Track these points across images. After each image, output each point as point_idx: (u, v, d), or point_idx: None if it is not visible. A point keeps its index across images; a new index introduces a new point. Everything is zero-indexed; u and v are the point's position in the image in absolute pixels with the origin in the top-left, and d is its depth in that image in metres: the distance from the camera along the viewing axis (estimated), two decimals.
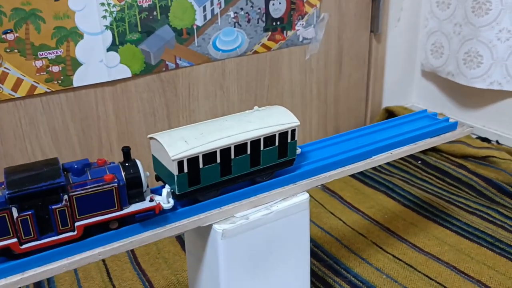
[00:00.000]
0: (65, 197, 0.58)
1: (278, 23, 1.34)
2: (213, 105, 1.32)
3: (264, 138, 0.70)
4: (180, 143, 0.64)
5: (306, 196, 0.76)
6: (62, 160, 1.13)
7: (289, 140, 0.73)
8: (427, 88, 1.72)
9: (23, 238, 0.58)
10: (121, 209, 0.62)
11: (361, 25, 1.52)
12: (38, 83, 1.07)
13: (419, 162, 1.49)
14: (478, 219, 1.20)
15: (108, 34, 1.11)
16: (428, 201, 1.29)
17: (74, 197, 0.59)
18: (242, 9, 1.26)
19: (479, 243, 1.12)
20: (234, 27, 1.27)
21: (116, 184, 0.60)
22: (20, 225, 0.57)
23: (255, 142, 0.70)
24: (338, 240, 1.15)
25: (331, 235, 1.17)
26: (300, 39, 1.40)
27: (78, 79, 1.11)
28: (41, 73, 1.06)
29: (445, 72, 1.57)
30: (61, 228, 0.59)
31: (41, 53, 1.05)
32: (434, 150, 1.52)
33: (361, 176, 1.43)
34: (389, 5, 1.55)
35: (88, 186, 0.59)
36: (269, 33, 1.33)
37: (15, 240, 0.57)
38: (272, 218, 0.73)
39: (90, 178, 0.61)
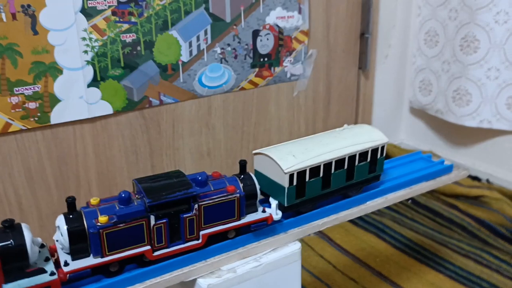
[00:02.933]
0: (196, 206, 0.61)
1: (266, 59, 1.31)
2: (198, 143, 1.27)
3: (359, 154, 0.75)
4: (290, 157, 0.69)
5: (297, 246, 0.71)
6: (36, 200, 1.07)
7: (378, 156, 0.78)
8: (416, 125, 1.70)
9: (156, 245, 0.60)
10: (239, 219, 0.66)
11: (349, 61, 1.50)
12: (13, 120, 1.01)
13: (410, 201, 1.45)
14: (473, 263, 1.16)
15: (89, 70, 1.06)
16: (420, 243, 1.25)
17: (202, 206, 0.62)
18: (229, 45, 1.23)
19: None
20: (221, 63, 1.24)
21: (238, 195, 0.64)
22: (155, 233, 0.60)
23: (351, 158, 0.74)
24: (328, 286, 1.10)
25: (321, 281, 1.12)
26: (288, 75, 1.37)
27: (56, 116, 1.05)
28: (17, 109, 1.01)
29: (434, 109, 1.55)
30: (188, 237, 0.62)
31: (17, 89, 1.00)
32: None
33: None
34: (376, 42, 1.54)
35: (215, 196, 0.63)
36: (257, 69, 1.30)
37: (149, 247, 0.60)
38: (261, 271, 0.68)
39: (212, 189, 0.64)
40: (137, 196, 0.61)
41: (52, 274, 0.53)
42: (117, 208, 0.59)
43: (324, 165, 0.71)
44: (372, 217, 1.37)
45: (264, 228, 0.69)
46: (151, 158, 1.21)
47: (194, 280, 0.64)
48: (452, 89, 1.45)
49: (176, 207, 0.60)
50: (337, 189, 0.75)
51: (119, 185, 1.18)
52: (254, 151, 0.72)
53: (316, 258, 1.20)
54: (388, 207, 1.43)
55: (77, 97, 1.07)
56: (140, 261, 0.61)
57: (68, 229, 0.56)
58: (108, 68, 1.09)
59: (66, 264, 0.56)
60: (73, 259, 0.57)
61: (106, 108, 1.11)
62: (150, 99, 1.16)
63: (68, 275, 0.55)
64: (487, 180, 1.50)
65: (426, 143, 1.66)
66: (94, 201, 0.60)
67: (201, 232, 0.63)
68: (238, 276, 0.66)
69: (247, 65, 1.28)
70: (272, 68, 1.33)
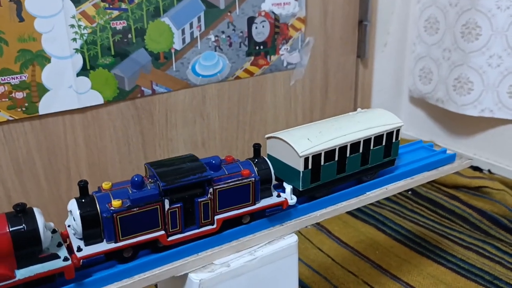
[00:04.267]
0: (210, 190, 0.60)
1: (262, 47, 1.27)
2: (192, 133, 1.24)
3: (374, 137, 0.73)
4: (304, 141, 0.67)
5: (294, 238, 0.68)
6: (26, 193, 1.04)
7: (393, 140, 0.76)
8: (416, 115, 1.66)
9: (170, 230, 0.59)
10: (254, 204, 0.64)
11: (347, 49, 1.46)
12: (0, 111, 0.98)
13: (410, 192, 1.42)
14: (474, 255, 1.13)
15: (78, 58, 1.03)
16: (420, 235, 1.22)
17: (217, 190, 0.60)
18: (223, 32, 1.20)
19: (476, 282, 1.04)
20: (215, 51, 1.20)
21: (253, 179, 0.62)
22: (170, 218, 0.58)
23: (366, 141, 0.72)
24: (327, 280, 1.07)
25: (319, 274, 1.09)
26: (285, 64, 1.33)
27: (45, 106, 1.02)
28: (3, 99, 0.97)
29: (434, 98, 1.52)
30: (202, 221, 0.61)
31: (3, 78, 0.96)
32: None
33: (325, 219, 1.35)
34: (375, 30, 1.51)
35: (230, 180, 0.61)
36: (252, 57, 1.27)
37: (163, 232, 0.58)
38: (256, 265, 0.65)
39: (226, 173, 0.62)
40: (150, 180, 0.59)
41: (65, 259, 0.52)
42: (130, 192, 0.57)
43: (339, 149, 0.69)
44: (372, 208, 1.34)
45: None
46: (143, 149, 1.18)
47: (186, 275, 0.61)
48: (453, 77, 1.42)
49: (190, 191, 0.59)
50: (352, 174, 0.73)
51: (111, 176, 1.14)
52: (267, 135, 0.71)
53: (314, 251, 1.17)
54: (387, 199, 1.40)
55: (66, 87, 1.03)
56: (154, 246, 0.60)
57: (80, 214, 0.54)
58: (98, 56, 1.05)
59: (79, 249, 0.55)
60: (86, 245, 0.56)
61: (96, 98, 1.07)
62: (142, 88, 1.13)
63: (81, 261, 0.54)
64: (489, 171, 1.47)
65: (426, 133, 1.63)
66: (106, 185, 0.58)
67: (216, 217, 0.62)
68: (231, 270, 0.62)
69: (242, 53, 1.25)
70: (268, 57, 1.30)
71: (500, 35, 1.31)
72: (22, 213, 0.51)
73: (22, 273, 0.50)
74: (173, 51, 1.14)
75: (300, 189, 0.68)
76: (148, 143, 1.18)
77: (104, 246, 0.56)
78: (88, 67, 1.04)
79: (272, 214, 0.67)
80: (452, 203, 1.33)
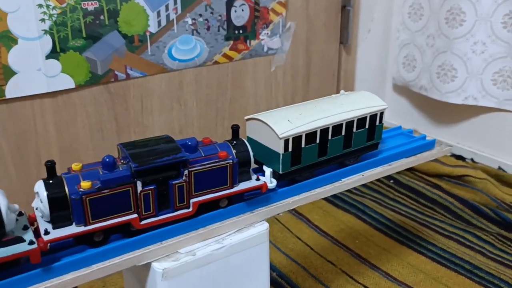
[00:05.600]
0: (185, 172, 0.57)
1: (241, 31, 1.24)
2: (169, 119, 1.20)
3: (357, 120, 0.71)
4: (284, 123, 0.65)
5: (265, 226, 0.65)
6: None
7: (377, 123, 0.74)
8: (399, 103, 1.64)
9: (143, 214, 0.56)
10: (232, 187, 0.62)
11: (330, 35, 1.43)
12: None
13: (392, 181, 1.40)
14: (455, 244, 1.12)
15: (47, 40, 0.99)
16: (401, 224, 1.20)
17: (193, 172, 0.58)
18: (201, 15, 1.16)
19: (456, 271, 1.03)
20: (192, 34, 1.17)
21: (231, 161, 0.60)
22: (142, 200, 0.56)
23: (349, 124, 0.71)
24: (305, 269, 1.05)
25: (297, 263, 1.07)
26: (265, 49, 1.30)
27: (12, 89, 0.98)
28: None
29: (417, 86, 1.50)
30: (177, 205, 0.59)
31: None
32: (407, 168, 1.44)
33: (330, 197, 1.32)
34: (359, 16, 1.48)
35: (207, 162, 0.59)
36: (231, 42, 1.23)
37: (135, 215, 0.56)
38: (224, 254, 0.62)
39: (203, 155, 0.60)
40: (122, 161, 0.56)
41: (31, 243, 0.49)
42: (101, 173, 0.54)
43: (321, 131, 0.67)
44: (353, 197, 1.32)
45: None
46: (118, 136, 1.14)
47: (149, 265, 0.58)
48: (436, 64, 1.40)
49: (164, 173, 0.56)
50: (334, 157, 0.71)
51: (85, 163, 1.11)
52: (246, 117, 0.68)
53: (293, 240, 1.15)
54: (368, 187, 1.38)
55: (35, 70, 0.99)
56: (126, 230, 0.57)
57: (48, 195, 0.52)
58: (68, 38, 1.01)
59: (46, 232, 0.52)
60: (54, 228, 0.53)
61: (67, 82, 1.03)
62: (116, 72, 1.09)
63: (49, 244, 0.51)
64: (472, 159, 1.46)
65: (410, 121, 1.61)
66: (75, 166, 0.55)
67: (192, 200, 0.59)
68: (197, 259, 0.59)
69: (220, 38, 1.21)
70: (248, 41, 1.26)
71: (485, 21, 1.29)
72: None
73: None
74: (148, 34, 1.10)
75: (280, 172, 0.66)
76: (122, 130, 1.14)
77: (73, 229, 0.53)
78: (58, 50, 1.00)
79: (250, 198, 0.65)
80: (434, 192, 1.31)
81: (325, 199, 1.32)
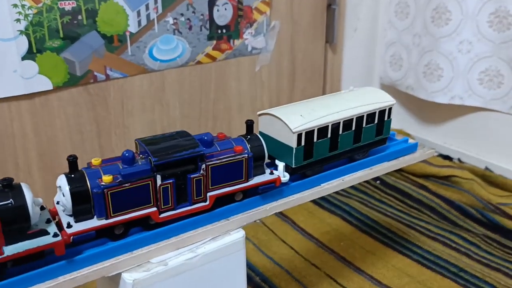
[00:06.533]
0: (203, 166, 0.58)
1: (224, 31, 1.22)
2: (151, 121, 1.18)
3: (367, 115, 0.73)
4: (297, 117, 0.66)
5: (241, 234, 0.64)
6: None
7: (385, 119, 0.76)
8: None
9: (162, 207, 0.58)
10: (247, 181, 0.63)
11: (316, 34, 1.41)
12: None
13: (378, 182, 1.38)
14: (441, 246, 1.11)
15: (23, 40, 0.96)
16: (387, 225, 1.19)
17: (210, 166, 0.59)
18: (182, 14, 1.14)
19: (442, 274, 1.02)
20: (174, 34, 1.14)
21: (246, 155, 0.61)
22: (162, 194, 0.57)
23: (359, 119, 0.72)
24: (288, 273, 1.03)
25: (281, 267, 1.05)
26: (249, 49, 1.28)
27: None
28: None
29: (404, 85, 1.48)
30: (195, 198, 0.60)
31: None
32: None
33: (316, 198, 1.31)
34: (345, 14, 1.46)
35: (223, 156, 0.60)
36: (214, 41, 1.21)
37: (155, 209, 0.57)
38: (198, 263, 0.60)
39: (219, 149, 0.61)
40: (141, 156, 0.58)
41: (55, 235, 0.51)
42: (121, 168, 0.56)
43: (332, 125, 0.69)
44: (338, 198, 1.31)
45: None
46: (98, 138, 1.12)
47: (119, 275, 0.56)
48: (423, 63, 1.38)
49: (183, 167, 0.58)
50: (344, 152, 0.73)
51: (64, 167, 1.07)
52: (259, 112, 0.70)
53: (277, 243, 1.13)
54: (355, 188, 1.37)
55: (11, 71, 0.97)
56: (145, 224, 0.58)
57: (70, 189, 0.53)
58: (45, 39, 0.98)
59: (69, 226, 0.53)
60: (76, 221, 0.54)
61: (44, 83, 1.01)
62: (95, 73, 1.07)
63: (72, 237, 0.52)
64: (459, 159, 1.45)
65: (397, 121, 1.60)
66: (95, 161, 0.57)
67: (209, 194, 0.60)
68: (169, 269, 0.58)
69: (203, 37, 1.19)
70: (231, 41, 1.24)
71: (471, 20, 1.28)
72: (9, 188, 0.49)
73: (10, 250, 0.49)
74: (128, 34, 1.08)
75: (293, 166, 0.67)
76: (103, 132, 1.12)
77: (94, 222, 0.54)
78: (35, 50, 0.98)
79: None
80: (421, 192, 1.30)
81: (311, 200, 1.31)
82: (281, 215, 1.24)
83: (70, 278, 0.53)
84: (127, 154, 0.56)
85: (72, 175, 0.54)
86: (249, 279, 1.01)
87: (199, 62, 1.21)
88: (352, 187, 1.37)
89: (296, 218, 1.23)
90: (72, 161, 0.55)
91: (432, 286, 0.98)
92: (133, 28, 1.08)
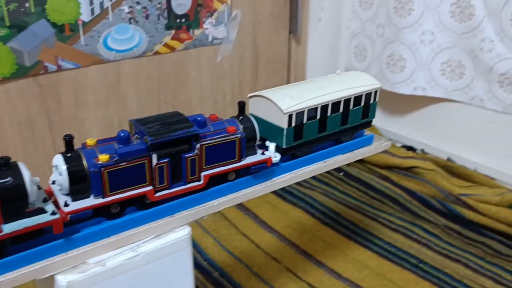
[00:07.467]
0: (198, 146, 0.60)
1: (183, 20, 1.18)
2: (107, 113, 1.14)
3: (354, 98, 0.74)
4: (288, 99, 0.68)
5: (186, 231, 0.61)
6: None
7: (371, 102, 0.78)
8: None
9: (157, 186, 0.58)
10: (240, 161, 0.64)
11: (279, 25, 1.39)
12: None
13: (342, 173, 1.38)
14: (402, 237, 1.10)
15: None
16: (350, 218, 1.18)
17: (204, 146, 0.60)
18: (138, 3, 1.10)
19: (402, 266, 1.01)
20: (130, 23, 1.11)
21: (239, 136, 0.63)
22: (157, 173, 0.57)
23: (346, 101, 0.74)
24: (248, 268, 1.01)
25: (241, 261, 1.03)
26: (210, 39, 1.25)
27: None
28: None
29: None
30: (189, 178, 0.60)
31: None
32: (357, 160, 1.42)
33: (279, 190, 1.29)
34: (308, 4, 1.44)
35: (217, 137, 0.61)
36: (173, 31, 1.18)
37: (151, 187, 0.58)
38: (139, 262, 0.57)
39: (212, 130, 0.62)
40: (136, 136, 0.59)
41: (53, 213, 0.51)
42: (117, 147, 0.56)
43: (321, 107, 0.71)
44: (301, 190, 1.29)
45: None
46: (51, 131, 1.07)
47: (52, 277, 0.53)
48: (386, 54, 1.37)
49: (178, 147, 0.59)
50: (332, 133, 0.75)
51: None
52: (249, 94, 0.71)
53: (238, 237, 1.11)
54: (319, 180, 1.36)
55: None
56: (140, 203, 0.59)
57: (67, 169, 0.53)
58: None
59: (66, 205, 0.54)
60: (73, 200, 0.55)
61: None
62: (46, 64, 1.02)
63: (69, 216, 0.53)
64: (422, 150, 1.45)
65: None
66: (90, 141, 0.57)
67: (203, 173, 0.61)
68: (108, 269, 0.55)
69: (161, 27, 1.15)
70: (191, 31, 1.21)
71: (433, 10, 1.27)
72: (7, 166, 0.49)
73: (9, 227, 0.49)
74: (80, 23, 1.04)
75: (284, 147, 0.68)
76: (55, 125, 1.08)
77: (91, 201, 0.55)
78: None
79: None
80: (383, 184, 1.29)
81: (275, 192, 1.29)
82: (244, 208, 1.22)
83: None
84: (122, 134, 0.56)
85: (69, 154, 0.54)
86: (208, 274, 0.99)
87: (157, 53, 1.17)
88: (316, 178, 1.36)
89: (258, 212, 1.21)
90: (68, 140, 0.55)
91: (391, 278, 0.98)
92: (85, 16, 1.04)
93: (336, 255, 1.05)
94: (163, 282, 0.61)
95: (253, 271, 1.00)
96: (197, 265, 1.02)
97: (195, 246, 1.08)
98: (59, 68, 1.04)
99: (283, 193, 1.29)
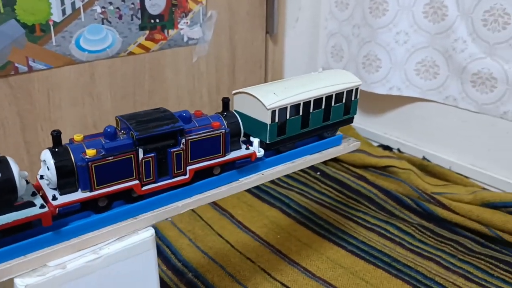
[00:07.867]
0: (183, 141, 0.61)
1: (157, 20, 1.18)
2: (81, 114, 1.13)
3: (336, 95, 0.77)
4: (271, 95, 0.70)
5: (150, 232, 0.61)
6: None
7: (353, 98, 0.81)
8: None
9: (144, 180, 0.60)
10: (225, 155, 0.66)
11: (255, 25, 1.39)
12: None
13: (318, 173, 1.38)
14: (376, 236, 1.11)
15: None
16: (325, 217, 1.18)
17: (189, 141, 0.62)
18: (111, 3, 1.09)
19: (375, 264, 1.02)
20: (102, 24, 1.10)
21: (223, 131, 0.65)
22: (144, 167, 0.59)
23: (328, 98, 0.77)
24: (222, 268, 1.01)
25: (215, 262, 1.03)
26: (185, 39, 1.25)
27: None
28: None
29: None
30: (175, 172, 0.62)
31: None
32: (333, 160, 1.42)
33: (255, 190, 1.30)
34: (285, 4, 1.44)
35: (202, 132, 0.63)
36: (147, 32, 1.17)
37: (137, 181, 0.59)
38: (101, 265, 0.57)
39: (197, 125, 0.64)
40: (122, 131, 0.60)
41: (42, 207, 0.52)
42: (104, 142, 0.58)
43: (304, 103, 0.73)
44: (278, 190, 1.30)
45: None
46: (23, 133, 1.06)
47: (12, 281, 0.53)
48: (362, 54, 1.38)
49: (164, 142, 0.60)
50: (314, 129, 0.77)
51: None
52: (234, 91, 0.73)
53: (213, 238, 1.11)
54: (295, 179, 1.36)
55: None
56: (127, 197, 0.61)
57: (55, 163, 0.55)
58: None
59: (54, 198, 0.55)
60: (61, 194, 0.56)
61: None
62: (16, 64, 1.01)
63: (57, 209, 0.54)
64: (398, 149, 1.46)
65: None
66: (77, 137, 0.58)
67: (188, 168, 0.63)
68: (68, 272, 0.55)
69: (135, 27, 1.15)
70: (166, 31, 1.20)
71: (407, 10, 1.28)
72: None
73: None
74: (51, 23, 1.03)
75: (267, 142, 0.70)
76: (28, 126, 1.07)
77: (79, 195, 0.56)
78: None
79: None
80: (359, 183, 1.30)
81: (251, 192, 1.29)
82: (220, 208, 1.22)
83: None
84: (109, 130, 0.57)
85: (56, 149, 0.56)
86: (182, 275, 0.99)
87: (131, 53, 1.17)
88: (291, 177, 1.37)
89: (234, 212, 1.21)
90: (56, 135, 0.56)
91: (364, 277, 0.99)
92: (56, 17, 1.03)
93: (310, 254, 1.06)
94: (126, 285, 0.60)
95: (227, 271, 1.00)
96: (171, 266, 1.01)
97: (170, 247, 1.08)
98: (30, 69, 1.03)
99: (259, 193, 1.29)
